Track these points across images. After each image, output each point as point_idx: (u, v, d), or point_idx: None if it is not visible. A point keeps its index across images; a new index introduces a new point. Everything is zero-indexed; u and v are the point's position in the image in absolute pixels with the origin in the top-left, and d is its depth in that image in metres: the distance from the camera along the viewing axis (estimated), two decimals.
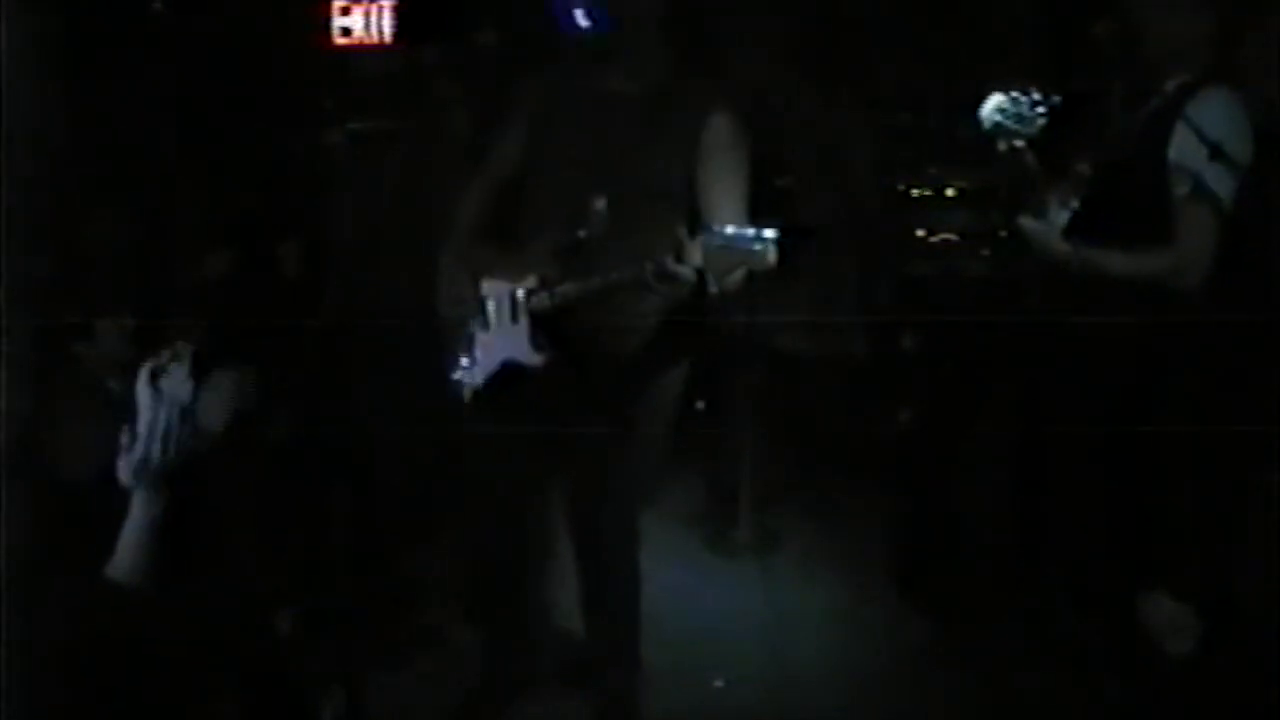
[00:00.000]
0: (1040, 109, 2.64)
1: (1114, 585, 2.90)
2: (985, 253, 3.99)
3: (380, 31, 5.36)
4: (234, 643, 2.08)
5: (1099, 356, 2.69)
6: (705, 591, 3.59)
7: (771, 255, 2.18)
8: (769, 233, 2.18)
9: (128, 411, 1.84)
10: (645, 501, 2.90)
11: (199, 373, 1.85)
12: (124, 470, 1.86)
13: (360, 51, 5.19)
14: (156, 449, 1.81)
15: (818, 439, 4.33)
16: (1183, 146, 2.53)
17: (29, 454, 1.88)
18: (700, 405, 4.48)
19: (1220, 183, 2.51)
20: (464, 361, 2.60)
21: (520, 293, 2.51)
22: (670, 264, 2.24)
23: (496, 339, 2.55)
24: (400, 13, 4.95)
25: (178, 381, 1.83)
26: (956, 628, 3.13)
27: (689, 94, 2.64)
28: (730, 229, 2.22)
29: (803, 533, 3.91)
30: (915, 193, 4.35)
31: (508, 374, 2.55)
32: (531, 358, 2.51)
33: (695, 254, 2.23)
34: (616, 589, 2.88)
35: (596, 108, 2.63)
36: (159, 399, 1.82)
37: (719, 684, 3.07)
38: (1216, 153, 2.48)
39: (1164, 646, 2.83)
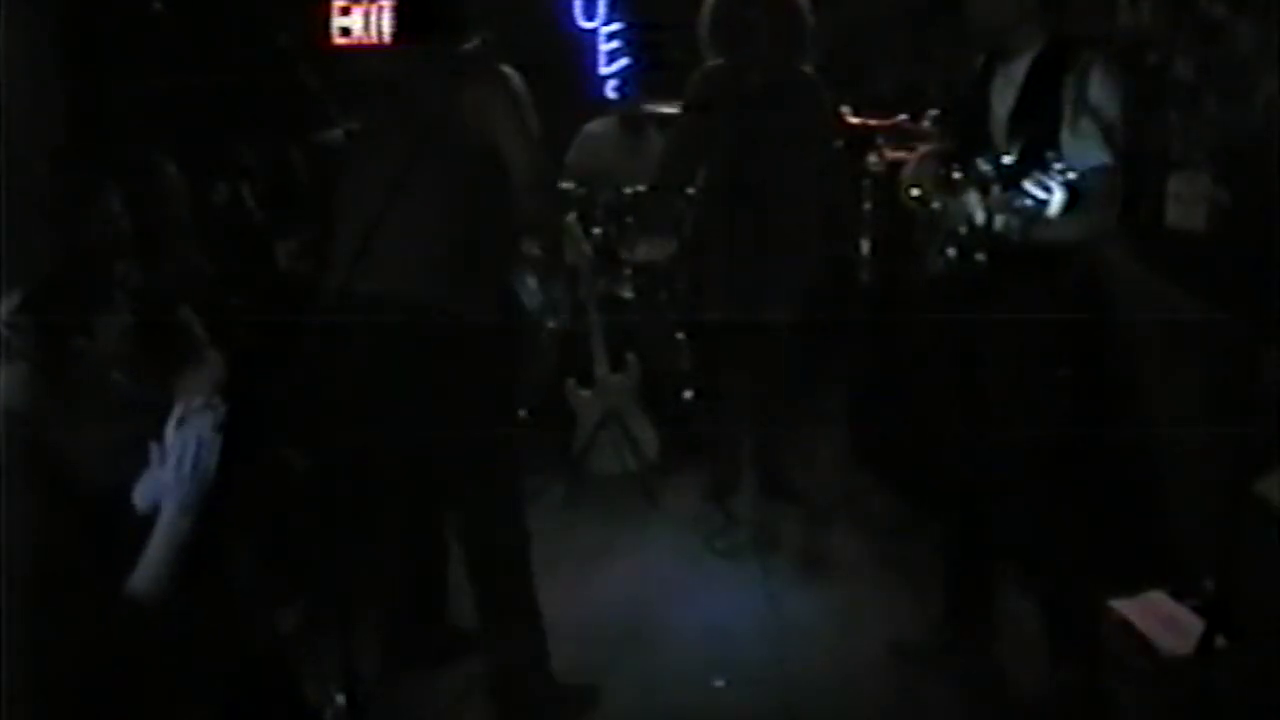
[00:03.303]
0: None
1: (1115, 586, 2.91)
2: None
3: (380, 31, 5.39)
4: (236, 643, 2.08)
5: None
6: (705, 591, 3.60)
7: None
8: None
9: (150, 439, 1.91)
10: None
11: (227, 418, 1.92)
12: (140, 497, 1.94)
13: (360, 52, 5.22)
14: (185, 483, 1.87)
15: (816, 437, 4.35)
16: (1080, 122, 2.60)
17: (31, 451, 1.88)
18: (688, 395, 4.50)
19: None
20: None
21: None
22: None
23: None
24: (400, 13, 4.96)
25: (204, 426, 1.89)
26: (957, 625, 3.12)
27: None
28: None
29: (803, 533, 3.91)
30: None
31: None
32: None
33: None
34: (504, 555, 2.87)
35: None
36: (185, 440, 1.89)
37: (719, 684, 3.07)
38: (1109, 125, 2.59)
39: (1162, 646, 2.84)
